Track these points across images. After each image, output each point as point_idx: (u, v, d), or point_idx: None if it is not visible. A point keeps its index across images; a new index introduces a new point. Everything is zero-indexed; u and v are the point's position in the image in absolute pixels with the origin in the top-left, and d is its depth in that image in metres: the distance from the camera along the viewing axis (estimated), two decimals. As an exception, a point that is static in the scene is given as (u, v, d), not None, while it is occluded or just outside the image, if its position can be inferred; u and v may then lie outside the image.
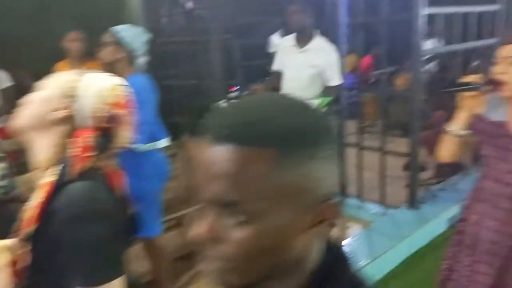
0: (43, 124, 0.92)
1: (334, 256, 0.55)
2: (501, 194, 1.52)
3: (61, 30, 3.10)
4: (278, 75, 3.27)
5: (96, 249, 0.85)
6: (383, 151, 3.28)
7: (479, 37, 3.46)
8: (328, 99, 3.08)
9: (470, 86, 1.48)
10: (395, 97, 4.68)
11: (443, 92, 3.47)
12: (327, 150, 0.48)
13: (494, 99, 1.50)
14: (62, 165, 0.90)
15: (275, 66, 3.33)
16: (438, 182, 3.51)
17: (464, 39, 3.38)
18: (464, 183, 3.54)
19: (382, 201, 3.28)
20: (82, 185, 0.87)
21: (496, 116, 1.51)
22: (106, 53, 2.30)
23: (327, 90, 3.10)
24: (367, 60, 5.29)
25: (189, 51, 4.46)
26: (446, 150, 1.66)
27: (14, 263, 0.88)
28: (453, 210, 3.27)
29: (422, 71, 2.97)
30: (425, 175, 3.37)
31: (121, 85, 0.99)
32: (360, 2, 3.29)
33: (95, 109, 0.94)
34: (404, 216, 3.09)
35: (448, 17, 3.20)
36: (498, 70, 1.44)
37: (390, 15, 3.07)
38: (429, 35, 5.27)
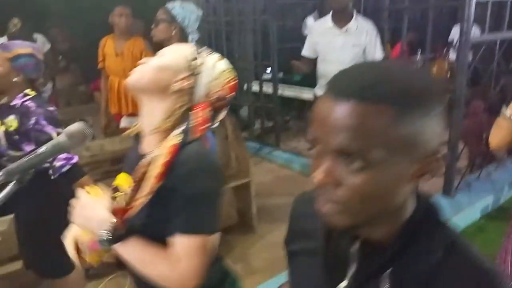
0: (163, 91, 0.97)
1: (426, 208, 0.61)
2: None
3: (109, 4, 3.13)
4: (309, 61, 3.24)
5: (209, 201, 0.96)
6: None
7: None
8: None
9: None
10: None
11: (482, 81, 3.45)
12: (438, 109, 0.54)
13: None
14: (181, 130, 0.96)
15: (306, 51, 3.27)
16: (473, 172, 3.50)
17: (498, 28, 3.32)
18: (499, 173, 3.53)
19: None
20: (197, 146, 0.97)
21: None
22: (159, 31, 2.34)
23: None
24: (398, 47, 5.22)
25: (224, 31, 4.46)
26: (498, 136, 1.63)
27: (123, 211, 0.95)
28: (487, 200, 3.30)
29: (467, 60, 2.93)
30: (460, 164, 3.37)
31: (231, 70, 1.05)
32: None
33: (211, 88, 1.01)
34: (439, 204, 3.09)
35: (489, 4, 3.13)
36: None
37: (436, 1, 2.99)
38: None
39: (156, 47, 2.16)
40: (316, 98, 3.36)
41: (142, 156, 0.98)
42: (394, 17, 4.34)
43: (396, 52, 5.14)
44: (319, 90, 3.32)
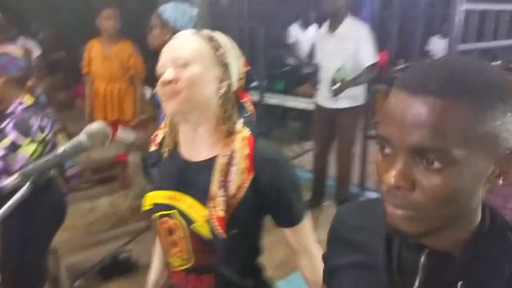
0: (209, 100, 0.93)
1: (492, 214, 0.58)
2: None
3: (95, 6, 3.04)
4: (313, 66, 3.24)
5: (299, 190, 1.00)
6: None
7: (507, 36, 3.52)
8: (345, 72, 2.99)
9: None
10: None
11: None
12: None
13: None
14: (243, 121, 0.95)
15: (308, 57, 3.33)
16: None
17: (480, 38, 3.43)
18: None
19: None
20: (264, 139, 0.98)
21: None
22: (153, 37, 2.26)
23: (364, 72, 3.00)
24: (382, 55, 5.32)
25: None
26: None
27: (222, 219, 0.90)
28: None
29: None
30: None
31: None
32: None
33: (241, 70, 0.97)
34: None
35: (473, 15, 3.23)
36: None
37: (424, 10, 3.05)
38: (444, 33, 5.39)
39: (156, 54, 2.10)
40: (318, 106, 3.31)
41: (192, 164, 0.96)
42: (377, 25, 4.43)
43: (380, 61, 5.24)
44: (319, 98, 3.29)
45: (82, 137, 0.89)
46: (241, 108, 0.98)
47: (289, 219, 0.99)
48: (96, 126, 0.92)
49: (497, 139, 0.50)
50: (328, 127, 3.27)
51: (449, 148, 0.48)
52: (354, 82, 3.01)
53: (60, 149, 0.87)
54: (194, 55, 0.91)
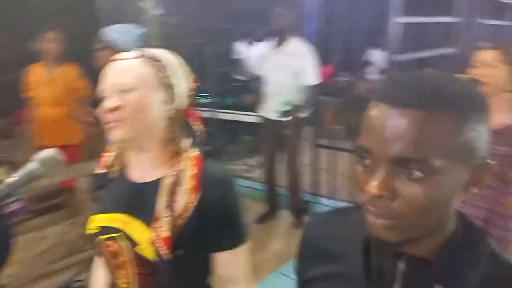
0: (155, 125, 0.92)
1: (464, 221, 0.60)
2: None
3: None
4: (259, 79, 3.33)
5: (242, 214, 0.96)
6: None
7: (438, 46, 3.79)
8: (294, 103, 3.16)
9: None
10: (358, 103, 4.94)
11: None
12: (487, 116, 0.54)
13: None
14: (191, 140, 0.95)
15: (255, 70, 3.39)
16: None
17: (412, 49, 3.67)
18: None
19: (350, 200, 3.43)
20: (215, 158, 0.96)
21: None
22: (99, 58, 2.22)
23: (305, 90, 3.18)
24: (327, 68, 5.53)
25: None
26: None
27: (168, 239, 0.87)
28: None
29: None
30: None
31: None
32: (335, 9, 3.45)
33: (188, 89, 0.96)
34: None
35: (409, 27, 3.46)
36: (479, 74, 1.62)
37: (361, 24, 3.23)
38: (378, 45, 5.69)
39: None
40: (263, 118, 3.39)
41: (140, 185, 0.94)
42: (322, 40, 4.61)
43: (325, 74, 5.44)
44: (263, 111, 3.37)
45: (34, 164, 0.87)
46: (189, 127, 0.98)
47: (227, 241, 0.95)
48: (46, 153, 0.90)
49: (472, 149, 0.52)
50: (274, 138, 3.36)
51: (429, 158, 0.50)
52: (305, 108, 3.19)
53: (12, 178, 0.84)
54: (137, 81, 0.89)
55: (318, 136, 3.91)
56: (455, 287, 0.56)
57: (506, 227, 1.66)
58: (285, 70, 3.13)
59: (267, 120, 3.34)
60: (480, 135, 0.53)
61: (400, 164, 0.51)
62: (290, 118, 3.15)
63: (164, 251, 0.87)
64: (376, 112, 0.53)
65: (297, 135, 3.34)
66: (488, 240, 0.60)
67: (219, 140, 4.94)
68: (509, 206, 1.59)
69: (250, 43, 5.02)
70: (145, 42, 2.23)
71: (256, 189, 3.72)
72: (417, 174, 0.50)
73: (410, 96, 0.51)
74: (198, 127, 0.99)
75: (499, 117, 1.58)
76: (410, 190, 0.51)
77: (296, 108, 3.16)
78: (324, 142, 3.90)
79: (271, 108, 3.24)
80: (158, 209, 0.89)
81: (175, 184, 0.90)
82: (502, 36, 4.42)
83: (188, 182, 0.90)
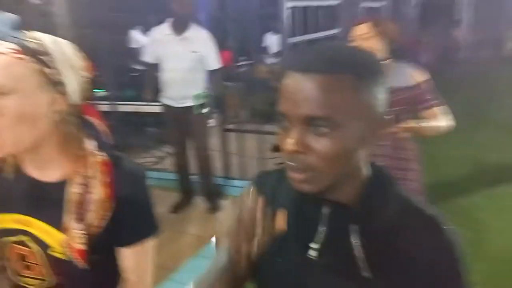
0: (43, 132, 0.80)
1: (378, 170, 0.71)
2: None
3: None
4: (155, 67, 3.25)
5: (152, 210, 0.93)
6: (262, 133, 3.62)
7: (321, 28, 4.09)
8: (204, 94, 3.23)
9: None
10: (258, 87, 5.11)
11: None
12: (383, 78, 0.64)
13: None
14: (96, 143, 0.86)
15: (149, 57, 3.28)
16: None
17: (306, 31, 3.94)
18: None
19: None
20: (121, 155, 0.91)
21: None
22: None
23: (211, 75, 3.23)
24: (225, 54, 5.62)
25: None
26: None
27: (82, 251, 0.83)
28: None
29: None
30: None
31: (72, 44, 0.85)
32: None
33: (83, 82, 0.84)
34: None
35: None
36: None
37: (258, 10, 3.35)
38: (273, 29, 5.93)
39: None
40: (166, 107, 3.34)
41: (42, 185, 0.85)
42: (215, 26, 4.66)
43: (224, 59, 5.52)
44: (165, 99, 3.33)
45: None
46: (89, 125, 0.88)
47: (136, 235, 0.91)
48: None
49: (370, 107, 0.61)
50: (179, 126, 3.33)
51: (333, 115, 0.58)
52: (216, 96, 3.26)
53: None
54: (15, 82, 0.75)
55: (225, 121, 4.00)
56: (369, 226, 0.66)
57: (406, 167, 1.94)
58: (187, 56, 3.12)
59: (171, 108, 3.31)
60: (376, 95, 0.62)
61: (309, 122, 0.59)
62: (206, 110, 3.17)
63: (79, 261, 0.84)
64: (287, 79, 0.62)
65: (204, 121, 3.37)
66: (397, 185, 0.71)
67: (122, 134, 4.75)
68: (402, 130, 1.79)
69: (145, 31, 4.89)
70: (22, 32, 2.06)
71: (168, 179, 3.69)
72: (323, 129, 0.59)
73: (313, 63, 0.60)
74: (100, 126, 0.90)
75: None
76: (319, 144, 0.60)
77: (208, 97, 3.20)
78: (231, 126, 4.00)
79: (175, 95, 3.22)
80: (66, 219, 0.83)
81: (84, 194, 0.83)
82: (381, 15, 4.92)
83: (99, 192, 0.83)
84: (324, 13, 4.37)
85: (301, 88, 0.59)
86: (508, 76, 7.45)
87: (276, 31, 5.57)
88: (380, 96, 0.63)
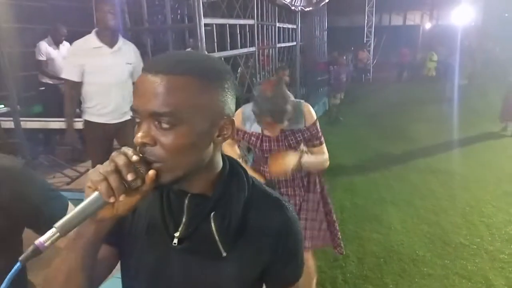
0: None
1: (230, 163, 0.80)
2: None
3: None
4: (77, 85, 3.00)
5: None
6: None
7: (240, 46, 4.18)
8: None
9: None
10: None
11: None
12: (229, 84, 0.71)
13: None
14: None
15: (73, 75, 2.97)
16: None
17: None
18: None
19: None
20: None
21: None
22: None
23: None
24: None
25: None
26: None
27: None
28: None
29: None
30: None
31: None
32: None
33: None
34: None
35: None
36: None
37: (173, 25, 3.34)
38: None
39: None
40: (89, 123, 3.09)
41: None
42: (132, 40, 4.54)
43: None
44: (88, 115, 3.09)
45: None
46: None
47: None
48: None
49: (214, 107, 0.68)
50: (108, 140, 3.14)
51: (174, 112, 0.64)
52: None
53: None
54: None
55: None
56: (223, 211, 0.74)
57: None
58: (123, 68, 2.99)
59: (99, 124, 3.07)
60: (221, 98, 0.69)
61: (156, 118, 0.65)
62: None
63: None
64: (140, 79, 0.67)
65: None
66: (247, 175, 0.81)
67: (28, 154, 4.37)
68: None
69: (55, 42, 4.61)
70: None
71: (82, 200, 3.45)
72: (165, 125, 0.65)
73: (162, 65, 0.66)
74: None
75: None
76: (163, 137, 0.65)
77: None
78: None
79: (110, 111, 3.03)
80: None
81: None
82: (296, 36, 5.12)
83: None
84: (242, 32, 4.47)
85: (149, 87, 0.65)
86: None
87: (192, 47, 5.57)
88: (227, 100, 0.70)
